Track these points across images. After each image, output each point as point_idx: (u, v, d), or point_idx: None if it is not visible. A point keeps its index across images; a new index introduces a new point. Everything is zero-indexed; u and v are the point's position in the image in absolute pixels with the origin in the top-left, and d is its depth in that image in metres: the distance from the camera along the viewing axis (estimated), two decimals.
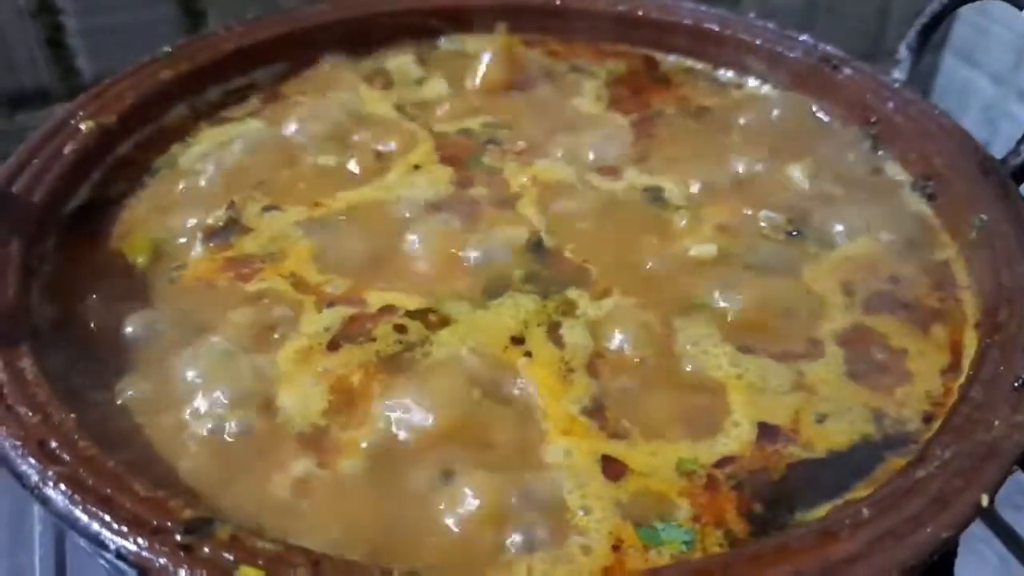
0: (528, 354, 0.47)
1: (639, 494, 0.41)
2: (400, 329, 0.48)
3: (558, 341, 0.48)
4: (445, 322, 0.49)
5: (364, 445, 0.43)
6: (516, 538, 0.39)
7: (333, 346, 0.47)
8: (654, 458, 0.42)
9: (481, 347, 0.47)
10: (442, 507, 0.40)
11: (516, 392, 0.45)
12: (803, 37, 0.68)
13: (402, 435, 0.43)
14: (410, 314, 0.49)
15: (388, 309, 0.49)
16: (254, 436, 0.43)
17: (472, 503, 0.40)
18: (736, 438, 0.44)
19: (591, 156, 0.62)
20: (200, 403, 0.44)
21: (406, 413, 0.43)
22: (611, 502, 0.40)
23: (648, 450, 0.43)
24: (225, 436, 0.43)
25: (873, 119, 0.63)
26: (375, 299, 0.50)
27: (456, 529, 0.39)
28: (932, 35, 0.64)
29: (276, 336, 0.48)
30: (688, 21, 0.72)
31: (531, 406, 0.45)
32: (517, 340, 0.48)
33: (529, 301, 0.50)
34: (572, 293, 0.51)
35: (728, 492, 0.41)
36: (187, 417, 0.44)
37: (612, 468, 0.42)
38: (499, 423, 0.43)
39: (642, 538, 0.39)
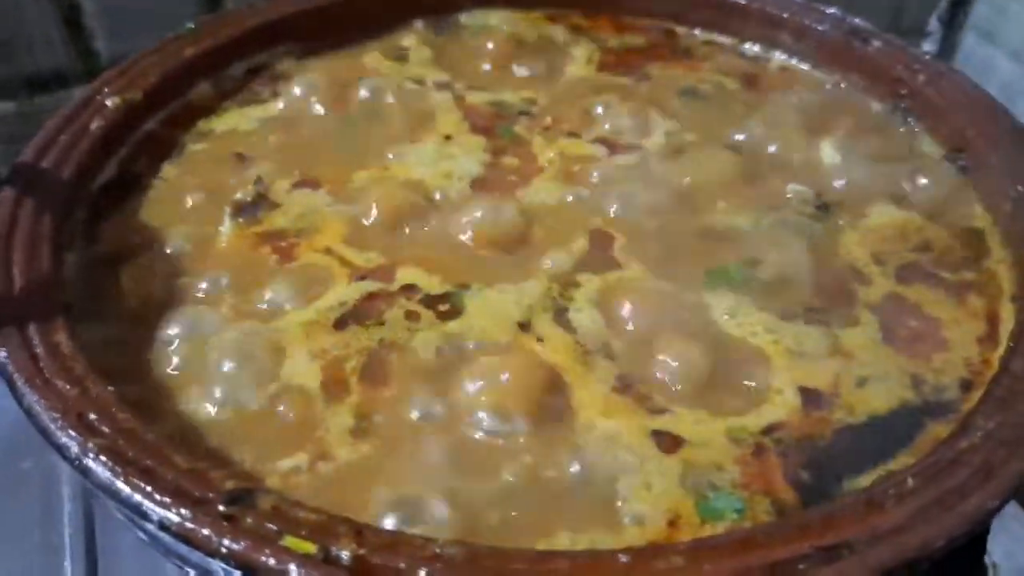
0: (540, 340, 0.47)
1: (694, 464, 0.41)
2: (412, 316, 0.48)
3: (567, 326, 0.47)
4: (457, 312, 0.48)
5: None
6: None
7: (340, 325, 0.47)
8: (702, 426, 0.42)
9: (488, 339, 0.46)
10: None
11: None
12: (831, 10, 0.67)
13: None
14: (424, 301, 0.48)
15: (409, 288, 0.49)
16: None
17: None
18: (781, 405, 0.43)
19: (607, 126, 0.62)
20: (221, 376, 0.44)
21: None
22: (671, 475, 0.40)
23: (693, 418, 0.43)
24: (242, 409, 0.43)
25: (903, 92, 0.63)
26: (402, 275, 0.50)
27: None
28: (963, 7, 0.63)
29: (299, 308, 0.48)
30: None
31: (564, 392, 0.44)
32: (523, 326, 0.47)
33: (535, 284, 0.49)
34: (582, 277, 0.50)
35: (775, 460, 0.41)
36: (212, 390, 0.44)
37: (667, 442, 0.42)
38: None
39: (701, 513, 0.39)
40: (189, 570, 0.39)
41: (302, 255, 0.51)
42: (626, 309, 0.48)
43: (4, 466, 0.64)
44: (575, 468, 0.41)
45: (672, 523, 0.39)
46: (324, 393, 0.44)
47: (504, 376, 0.44)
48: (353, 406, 0.43)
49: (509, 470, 0.41)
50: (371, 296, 0.49)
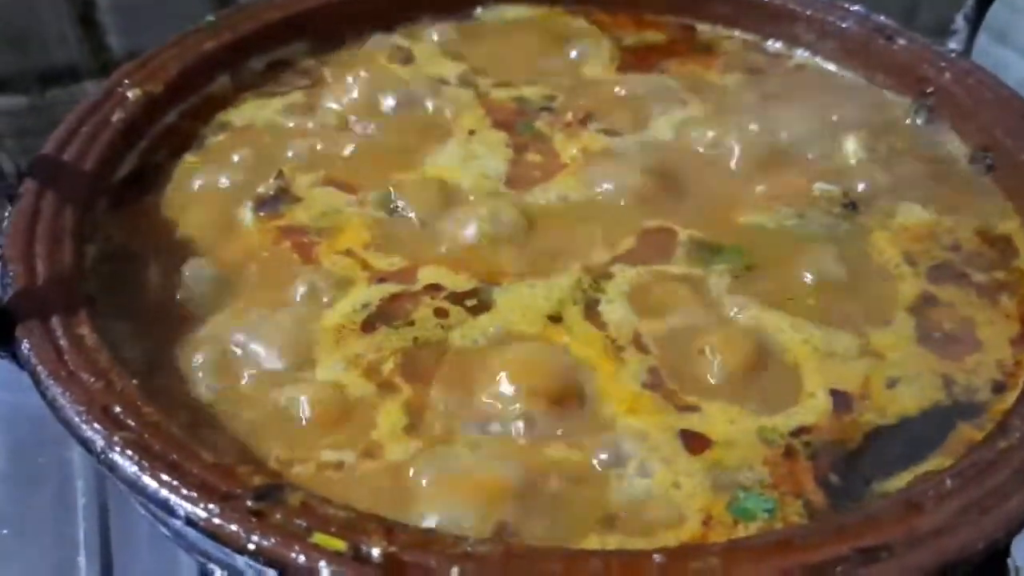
0: (569, 332, 0.46)
1: (723, 464, 0.40)
2: (441, 313, 0.47)
3: (596, 320, 0.47)
4: (486, 307, 0.47)
5: None
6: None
7: (368, 327, 0.46)
8: (732, 426, 0.42)
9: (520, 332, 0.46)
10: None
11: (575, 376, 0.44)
12: (855, 7, 0.67)
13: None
14: (451, 297, 0.48)
15: (434, 287, 0.48)
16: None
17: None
18: (812, 408, 0.43)
19: (628, 122, 0.61)
20: (250, 373, 0.44)
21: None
22: (700, 476, 0.40)
23: (724, 418, 0.42)
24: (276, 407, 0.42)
25: (929, 90, 0.62)
26: (424, 275, 0.49)
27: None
28: (991, 5, 0.63)
29: (322, 309, 0.47)
30: None
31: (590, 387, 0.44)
32: (553, 319, 0.47)
33: (564, 278, 0.49)
34: (613, 269, 0.50)
35: (805, 462, 0.41)
36: (239, 385, 0.43)
37: (694, 442, 0.41)
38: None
39: (733, 513, 0.38)
40: (213, 566, 0.39)
41: (323, 256, 0.50)
42: (657, 303, 0.47)
43: (19, 461, 0.64)
44: (604, 466, 0.40)
45: (706, 522, 0.38)
46: (364, 392, 0.43)
47: (528, 373, 0.43)
48: (401, 404, 0.43)
49: (534, 469, 0.40)
50: (394, 297, 0.48)
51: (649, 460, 0.40)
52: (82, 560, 0.58)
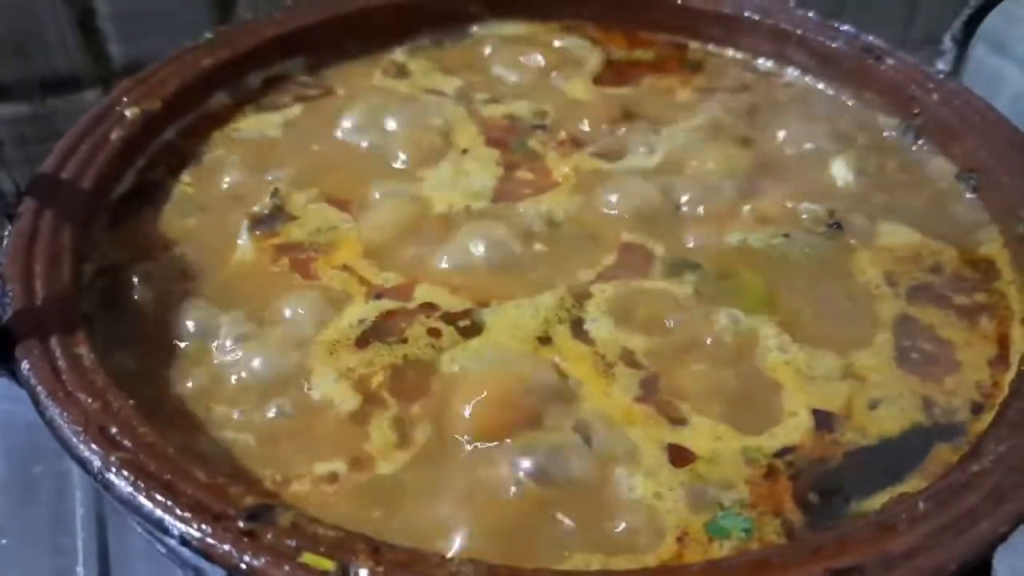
0: (560, 353, 0.47)
1: (705, 481, 0.41)
2: (434, 333, 0.48)
3: (585, 338, 0.48)
4: (478, 330, 0.48)
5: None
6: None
7: (362, 343, 0.47)
8: (719, 443, 0.43)
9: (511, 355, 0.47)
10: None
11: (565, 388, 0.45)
12: (845, 27, 0.68)
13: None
14: (445, 317, 0.49)
15: (428, 306, 0.49)
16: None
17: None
18: (795, 427, 0.44)
19: (617, 140, 0.62)
20: (242, 391, 0.45)
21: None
22: (681, 491, 0.41)
23: (713, 435, 0.43)
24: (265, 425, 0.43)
25: (916, 111, 0.63)
26: (420, 293, 0.50)
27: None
28: (978, 25, 0.63)
29: (320, 325, 0.48)
30: (727, 10, 0.71)
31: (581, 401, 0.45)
32: (543, 340, 0.48)
33: (548, 296, 0.50)
34: (596, 288, 0.51)
35: (785, 481, 0.42)
36: (233, 405, 0.44)
37: (679, 456, 0.42)
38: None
39: (709, 531, 0.39)
40: None
41: (320, 272, 0.51)
42: (641, 320, 0.49)
43: (17, 470, 0.65)
44: (588, 480, 0.41)
45: (680, 540, 0.39)
46: (354, 408, 0.44)
47: (505, 391, 0.45)
48: (389, 420, 0.44)
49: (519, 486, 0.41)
50: (390, 314, 0.49)
51: (635, 472, 0.41)
52: (80, 570, 0.59)
